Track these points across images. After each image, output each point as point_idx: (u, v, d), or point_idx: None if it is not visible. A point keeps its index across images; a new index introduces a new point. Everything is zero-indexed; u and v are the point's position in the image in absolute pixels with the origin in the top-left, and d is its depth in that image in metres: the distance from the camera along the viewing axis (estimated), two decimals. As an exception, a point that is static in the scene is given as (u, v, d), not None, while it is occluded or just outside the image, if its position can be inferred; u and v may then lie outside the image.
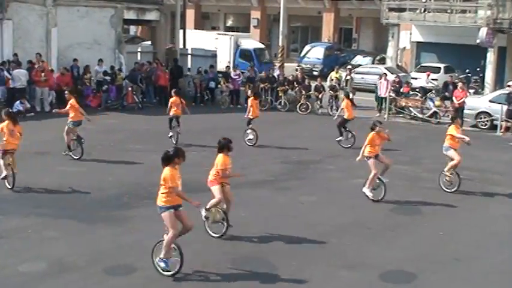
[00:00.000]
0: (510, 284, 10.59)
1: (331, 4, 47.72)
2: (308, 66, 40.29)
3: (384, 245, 11.98)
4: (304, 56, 42.85)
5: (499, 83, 34.78)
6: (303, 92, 28.57)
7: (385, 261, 11.15)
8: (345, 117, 20.91)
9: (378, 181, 14.71)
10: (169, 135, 20.29)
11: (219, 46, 37.65)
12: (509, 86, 27.25)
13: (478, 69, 36.32)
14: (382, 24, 39.86)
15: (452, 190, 15.74)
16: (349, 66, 34.48)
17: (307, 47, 44.08)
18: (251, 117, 20.60)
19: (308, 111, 27.98)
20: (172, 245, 10.05)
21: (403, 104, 27.66)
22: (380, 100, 28.30)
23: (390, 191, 15.61)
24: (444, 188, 15.86)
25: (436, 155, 20.03)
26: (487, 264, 11.24)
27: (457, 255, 11.59)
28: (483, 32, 34.34)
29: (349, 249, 11.70)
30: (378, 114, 27.83)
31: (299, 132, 24.02)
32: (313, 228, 12.74)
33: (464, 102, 25.45)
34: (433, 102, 27.27)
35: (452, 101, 26.19)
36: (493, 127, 25.17)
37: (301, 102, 28.30)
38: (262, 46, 41.89)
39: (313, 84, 29.32)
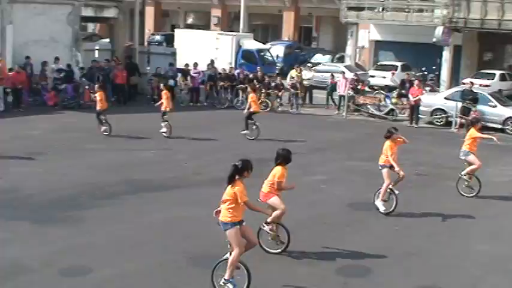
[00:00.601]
0: (462, 276, 10.78)
1: (291, 3, 47.95)
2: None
3: (340, 240, 12.11)
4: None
5: (454, 80, 35.45)
6: (263, 90, 28.65)
7: (341, 256, 11.28)
8: (251, 110, 21.68)
9: (389, 192, 13.87)
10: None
11: (220, 46, 36.54)
12: (464, 83, 27.75)
13: (434, 67, 36.92)
14: (342, 23, 40.24)
15: (472, 195, 15.36)
16: (309, 64, 34.75)
17: (267, 46, 44.14)
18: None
19: (268, 109, 28.05)
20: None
21: (361, 101, 27.96)
22: (339, 98, 28.56)
23: (348, 186, 15.83)
24: (464, 194, 15.46)
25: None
26: (440, 258, 11.43)
27: (411, 249, 11.78)
28: (439, 30, 34.92)
29: (305, 245, 11.76)
30: (337, 112, 28.12)
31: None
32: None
33: (420, 99, 25.80)
34: (390, 100, 27.64)
35: (408, 98, 26.53)
36: (448, 123, 25.60)
37: (261, 100, 28.37)
38: (265, 47, 40.37)
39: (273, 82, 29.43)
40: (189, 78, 30.05)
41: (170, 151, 19.67)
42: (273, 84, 29.17)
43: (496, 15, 33.90)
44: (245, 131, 21.75)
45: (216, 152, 19.64)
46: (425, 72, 36.59)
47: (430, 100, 26.72)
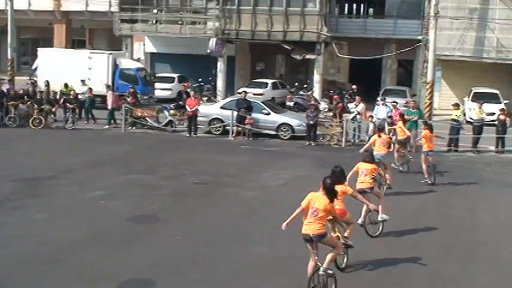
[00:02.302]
0: (243, 279, 10.99)
1: (62, 15, 46.45)
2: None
3: (121, 256, 11.79)
4: (36, 69, 41.10)
5: (229, 90, 36.57)
6: (36, 106, 27.35)
7: (122, 272, 10.95)
8: None
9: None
10: None
11: (93, 66, 33.65)
12: (239, 93, 28.65)
13: (210, 78, 37.82)
14: (116, 35, 39.81)
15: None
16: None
17: (38, 60, 42.40)
18: None
19: (42, 125, 26.82)
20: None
21: (139, 114, 27.77)
22: (110, 112, 28.08)
23: (127, 200, 15.56)
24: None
25: (171, 163, 20.50)
26: (223, 263, 11.56)
27: (194, 258, 11.79)
28: (213, 42, 35.90)
29: (85, 263, 11.29)
30: (107, 126, 27.59)
31: (33, 148, 22.95)
32: (47, 246, 12.14)
33: (197, 109, 26.19)
34: (168, 112, 27.77)
35: (186, 109, 26.82)
36: (226, 132, 26.27)
37: (34, 116, 27.06)
38: (142, 66, 37.44)
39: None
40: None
41: None
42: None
43: (265, 27, 35.59)
44: None
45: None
46: (202, 83, 37.39)
47: (207, 110, 27.24)
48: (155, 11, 38.81)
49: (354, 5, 40.87)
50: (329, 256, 10.15)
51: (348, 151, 20.73)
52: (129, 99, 28.43)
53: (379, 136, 18.01)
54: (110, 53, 34.62)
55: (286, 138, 25.98)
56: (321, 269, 9.89)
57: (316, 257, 9.99)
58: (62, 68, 32.94)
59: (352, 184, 12.93)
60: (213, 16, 36.84)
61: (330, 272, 10.00)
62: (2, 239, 12.61)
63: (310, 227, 9.97)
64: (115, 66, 33.97)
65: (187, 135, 26.13)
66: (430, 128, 19.16)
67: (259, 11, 35.62)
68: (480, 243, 13.25)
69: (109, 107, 28.11)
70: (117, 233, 13.13)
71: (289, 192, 17.18)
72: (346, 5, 40.62)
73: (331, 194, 10.09)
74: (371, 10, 41.21)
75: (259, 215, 14.88)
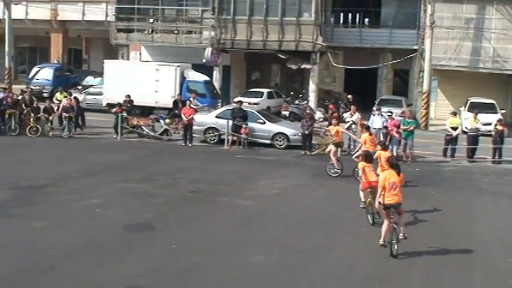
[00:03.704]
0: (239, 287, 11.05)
1: (59, 25, 46.61)
2: (38, 87, 38.78)
3: (117, 263, 11.80)
4: (33, 78, 41.30)
5: (225, 99, 36.63)
6: (32, 115, 27.36)
7: (117, 280, 10.97)
8: None
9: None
10: None
11: (161, 78, 33.61)
12: (234, 102, 28.70)
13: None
14: (112, 44, 39.94)
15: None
16: (79, 87, 33.99)
17: (35, 68, 42.58)
18: None
19: (38, 134, 26.84)
20: None
21: (135, 123, 27.82)
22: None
23: (123, 208, 15.60)
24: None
25: (167, 171, 20.55)
26: (218, 271, 11.60)
27: (190, 266, 11.81)
28: (208, 51, 36.10)
29: (80, 271, 11.30)
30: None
31: (29, 156, 22.95)
32: (43, 253, 12.15)
33: (193, 118, 26.22)
34: (164, 121, 27.82)
35: (181, 118, 26.85)
36: (221, 141, 26.32)
37: (31, 125, 27.07)
38: (209, 78, 35.90)
39: (42, 106, 28.26)
40: None
41: None
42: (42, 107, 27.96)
43: (260, 36, 35.76)
44: None
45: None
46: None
47: (202, 119, 27.28)
48: (151, 20, 38.96)
49: (350, 15, 41.06)
50: (402, 221, 12.95)
51: (343, 161, 20.77)
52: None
53: (370, 134, 19.42)
54: (178, 65, 34.06)
55: (281, 147, 26.05)
56: (400, 234, 12.56)
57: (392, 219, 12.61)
58: (129, 81, 32.86)
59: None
60: (209, 26, 37.01)
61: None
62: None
63: (396, 198, 12.56)
64: (182, 78, 33.76)
65: (183, 144, 26.18)
66: (368, 129, 19.71)
67: (255, 21, 35.80)
68: (478, 254, 13.28)
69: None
70: (113, 241, 13.15)
71: (284, 202, 17.30)
72: (342, 14, 40.79)
73: (399, 168, 12.95)
74: (367, 20, 41.38)
75: (254, 224, 14.91)
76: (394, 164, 13.10)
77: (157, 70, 33.94)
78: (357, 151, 18.59)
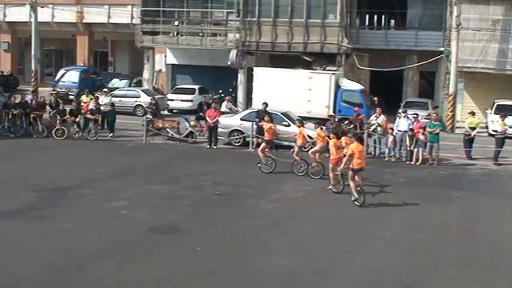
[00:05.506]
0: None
1: (85, 27, 46.94)
2: (64, 90, 39.06)
3: (142, 265, 11.87)
4: (59, 80, 41.61)
5: (250, 101, 36.56)
6: (58, 117, 27.60)
7: (142, 282, 11.04)
8: None
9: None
10: None
11: (314, 87, 32.17)
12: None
13: (230, 90, 37.89)
14: (137, 47, 40.14)
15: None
16: (105, 89, 34.19)
17: (61, 71, 42.81)
18: None
19: (64, 136, 27.06)
20: None
21: (160, 125, 27.93)
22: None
23: (148, 211, 15.67)
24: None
25: (192, 174, 20.60)
26: (241, 275, 11.61)
27: (214, 268, 11.83)
28: (233, 54, 36.07)
29: (106, 273, 11.40)
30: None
31: (55, 158, 23.17)
32: (69, 255, 12.27)
33: (217, 121, 26.26)
34: (189, 123, 27.88)
35: (206, 120, 26.89)
36: (246, 144, 26.31)
37: (57, 127, 27.30)
38: (363, 87, 34.18)
39: (68, 108, 28.49)
40: None
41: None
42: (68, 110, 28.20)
43: (285, 38, 35.73)
44: None
45: (10, 183, 18.52)
46: (222, 95, 37.43)
47: (227, 121, 27.29)
48: (176, 23, 39.04)
49: (375, 17, 40.91)
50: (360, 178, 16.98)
51: (367, 163, 20.63)
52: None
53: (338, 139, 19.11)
54: (333, 73, 32.76)
55: (306, 150, 25.94)
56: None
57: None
58: (281, 89, 31.91)
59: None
60: (234, 28, 37.04)
61: None
62: (25, 247, 12.75)
63: (363, 162, 16.93)
64: (337, 87, 32.42)
65: (208, 146, 26.21)
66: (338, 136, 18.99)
67: (280, 23, 35.77)
68: (504, 259, 13.13)
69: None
70: (138, 243, 13.22)
71: (309, 204, 17.26)
72: (367, 16, 40.62)
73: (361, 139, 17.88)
74: (392, 22, 41.14)
75: (279, 227, 14.90)
76: (356, 136, 19.09)
77: (311, 78, 32.57)
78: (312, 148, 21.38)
